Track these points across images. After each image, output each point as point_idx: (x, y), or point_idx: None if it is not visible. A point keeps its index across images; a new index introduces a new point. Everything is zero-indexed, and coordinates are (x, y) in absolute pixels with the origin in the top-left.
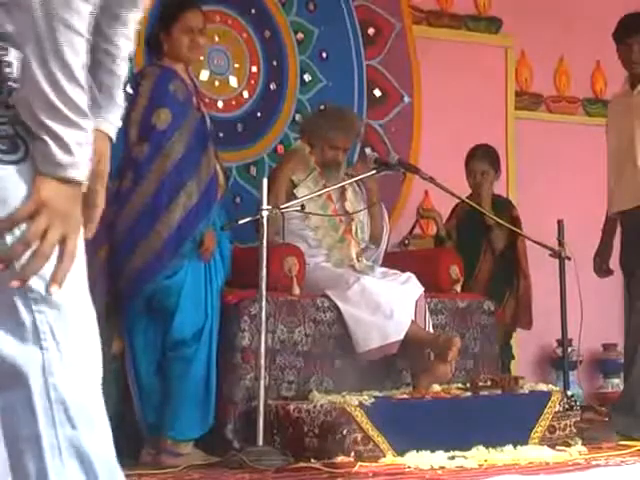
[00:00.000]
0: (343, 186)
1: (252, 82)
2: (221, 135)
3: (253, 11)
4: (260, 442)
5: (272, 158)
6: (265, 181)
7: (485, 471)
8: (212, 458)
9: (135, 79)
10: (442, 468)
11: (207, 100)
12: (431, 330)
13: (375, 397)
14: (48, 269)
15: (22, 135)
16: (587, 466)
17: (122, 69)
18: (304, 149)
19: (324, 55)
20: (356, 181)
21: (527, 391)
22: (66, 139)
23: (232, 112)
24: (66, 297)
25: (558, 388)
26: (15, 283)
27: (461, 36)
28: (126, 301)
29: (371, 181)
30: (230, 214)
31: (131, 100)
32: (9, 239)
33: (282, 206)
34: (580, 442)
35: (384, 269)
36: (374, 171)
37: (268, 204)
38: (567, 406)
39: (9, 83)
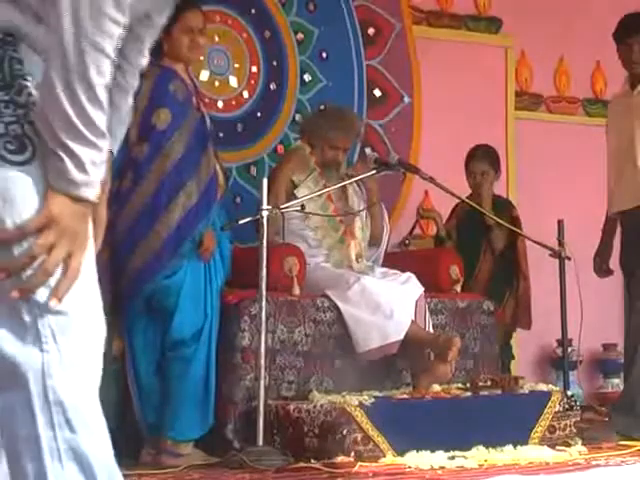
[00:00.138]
0: (343, 186)
1: (252, 82)
2: (221, 135)
3: (253, 11)
4: (260, 442)
5: (272, 158)
6: (265, 181)
7: (485, 471)
8: (212, 458)
9: None
10: (442, 468)
11: (207, 100)
12: (431, 330)
13: (375, 397)
14: (53, 278)
15: (30, 135)
16: (587, 466)
17: (132, 84)
18: (304, 149)
19: (324, 55)
20: (356, 181)
21: (527, 391)
22: (82, 158)
23: (232, 112)
24: (71, 303)
25: (558, 388)
26: (15, 294)
27: (461, 36)
28: (126, 301)
29: (371, 181)
30: (230, 214)
31: None
32: (16, 250)
33: (282, 206)
34: (580, 442)
35: (384, 269)
36: (374, 171)
37: (268, 204)
38: (567, 406)
39: (20, 81)
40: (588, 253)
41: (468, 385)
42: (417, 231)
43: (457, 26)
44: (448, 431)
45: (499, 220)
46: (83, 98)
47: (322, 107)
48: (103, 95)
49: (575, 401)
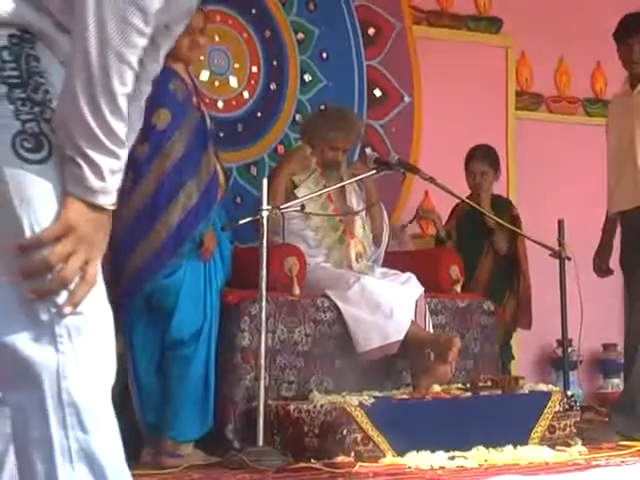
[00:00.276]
0: (343, 186)
1: (252, 82)
2: (221, 135)
3: (253, 11)
4: (260, 442)
5: (272, 158)
6: (265, 181)
7: (485, 471)
8: (212, 458)
9: None
10: (442, 468)
11: (207, 100)
12: (431, 330)
13: (375, 397)
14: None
15: (47, 133)
16: (587, 466)
17: (145, 91)
18: (305, 150)
19: (324, 55)
20: (355, 181)
21: (527, 391)
22: (101, 166)
23: (232, 112)
24: (87, 303)
25: (558, 388)
26: (32, 296)
27: (461, 36)
28: (126, 300)
29: (369, 181)
30: (230, 214)
31: None
32: (34, 258)
33: (282, 206)
34: (580, 442)
35: (384, 269)
36: (374, 171)
37: (267, 204)
38: (567, 406)
39: (36, 78)
40: (588, 253)
41: (468, 385)
42: (417, 231)
43: (457, 26)
44: (448, 431)
45: (499, 220)
46: (106, 110)
47: (322, 107)
48: (124, 105)
49: (575, 401)
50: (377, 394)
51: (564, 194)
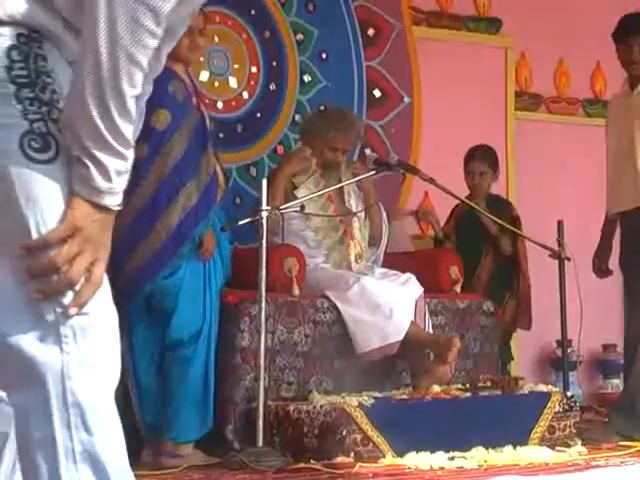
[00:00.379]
0: (341, 187)
1: (252, 83)
2: (221, 136)
3: (253, 12)
4: (260, 443)
5: (272, 159)
6: (265, 182)
7: (485, 472)
8: (212, 459)
9: None
10: (442, 469)
11: (207, 101)
12: (431, 331)
13: (375, 398)
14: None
15: (54, 133)
16: (587, 467)
17: (147, 91)
18: (305, 151)
19: (324, 56)
20: (355, 182)
21: (527, 392)
22: (108, 167)
23: (232, 113)
24: (92, 303)
25: (558, 389)
26: (37, 295)
27: (461, 37)
28: (126, 300)
29: (368, 182)
30: (230, 215)
31: None
32: (41, 258)
33: (281, 207)
34: (580, 443)
35: (384, 270)
36: (373, 172)
37: (267, 205)
38: (567, 407)
39: (44, 77)
40: (588, 253)
41: (468, 386)
42: (417, 231)
43: (457, 27)
44: (448, 432)
45: (498, 220)
46: (115, 112)
47: (322, 108)
48: (133, 106)
49: (575, 402)
50: (377, 395)
51: (564, 195)
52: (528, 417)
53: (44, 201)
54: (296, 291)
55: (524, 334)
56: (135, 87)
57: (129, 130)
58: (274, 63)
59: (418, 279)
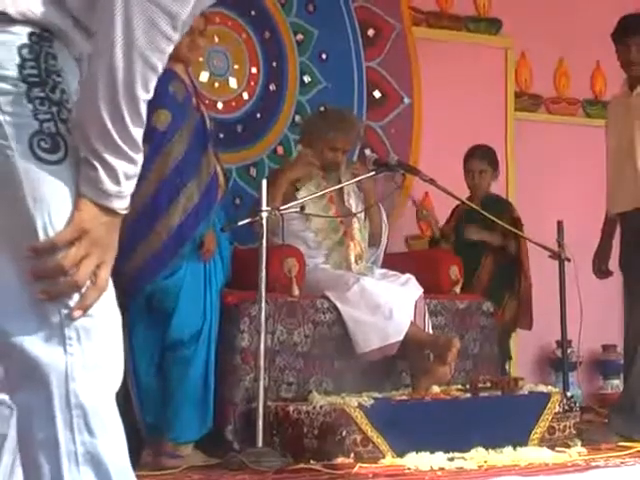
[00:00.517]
0: (341, 187)
1: (252, 83)
2: (221, 136)
3: (253, 12)
4: (260, 443)
5: (272, 159)
6: (264, 182)
7: (485, 472)
8: (212, 459)
9: None
10: (442, 469)
11: (207, 101)
12: (430, 331)
13: (375, 398)
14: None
15: (63, 134)
16: (586, 467)
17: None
18: (308, 155)
19: (324, 56)
20: (355, 182)
21: (527, 392)
22: (117, 170)
23: (232, 113)
24: (97, 305)
25: (558, 389)
26: (42, 296)
27: (461, 37)
28: (127, 300)
29: (368, 182)
30: (230, 215)
31: None
32: (47, 261)
33: (281, 207)
34: (580, 443)
35: (384, 270)
36: (373, 172)
37: (267, 205)
38: (567, 407)
39: (54, 77)
40: (588, 254)
41: (467, 386)
42: (416, 232)
43: (457, 27)
44: (448, 432)
45: (498, 220)
46: (127, 116)
47: (322, 108)
48: (144, 110)
49: (575, 402)
50: (376, 395)
51: (563, 195)
52: (528, 418)
53: (52, 202)
54: (296, 291)
55: (524, 334)
56: (149, 91)
57: (139, 134)
58: (274, 64)
59: (418, 279)
